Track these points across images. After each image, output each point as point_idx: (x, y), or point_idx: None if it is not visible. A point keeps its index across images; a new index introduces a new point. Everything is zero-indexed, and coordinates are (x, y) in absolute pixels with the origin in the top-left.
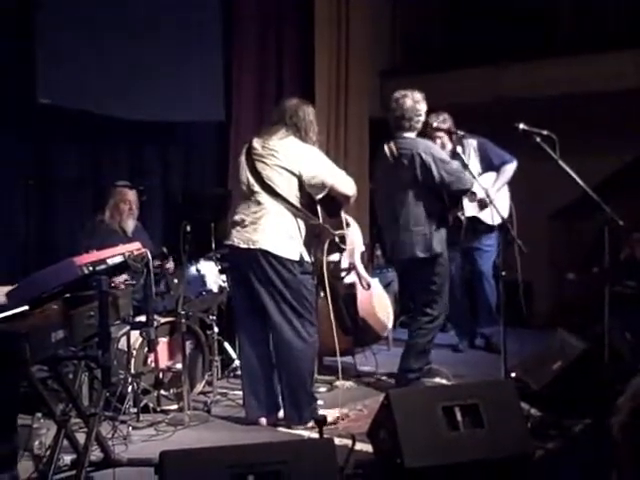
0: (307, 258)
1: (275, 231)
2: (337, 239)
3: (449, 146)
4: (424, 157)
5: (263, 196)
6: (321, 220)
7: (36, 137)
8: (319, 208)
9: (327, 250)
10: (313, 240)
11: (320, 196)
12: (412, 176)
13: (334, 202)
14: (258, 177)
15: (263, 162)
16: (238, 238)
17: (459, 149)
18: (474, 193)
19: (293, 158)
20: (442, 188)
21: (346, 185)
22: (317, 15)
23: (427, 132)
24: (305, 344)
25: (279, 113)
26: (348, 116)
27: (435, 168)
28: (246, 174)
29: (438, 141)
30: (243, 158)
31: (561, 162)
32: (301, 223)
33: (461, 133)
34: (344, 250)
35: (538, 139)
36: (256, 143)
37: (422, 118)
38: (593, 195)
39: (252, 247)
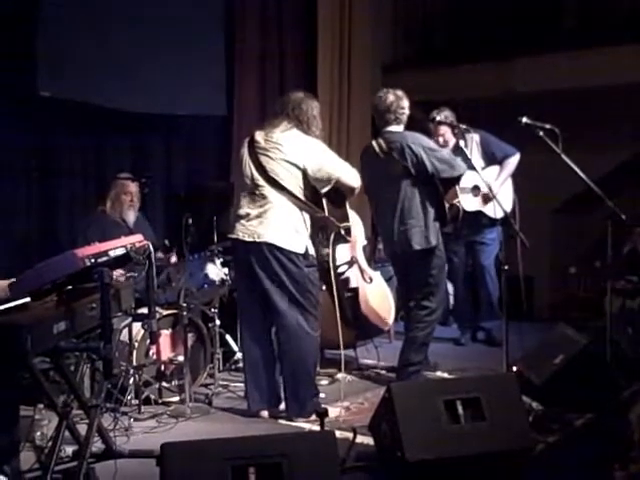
0: (312, 251)
1: (281, 224)
2: (343, 231)
3: (452, 141)
4: (414, 148)
5: (268, 190)
6: (326, 212)
7: (39, 129)
8: (324, 200)
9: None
10: (317, 233)
11: (325, 190)
12: (404, 169)
13: (338, 194)
14: (262, 171)
15: (267, 156)
16: (243, 232)
17: (461, 143)
18: (478, 187)
19: (297, 151)
20: (435, 176)
21: (351, 177)
22: (320, 9)
23: (430, 127)
24: (308, 337)
25: (282, 104)
26: (351, 110)
27: (426, 157)
28: (250, 168)
29: (441, 138)
30: (245, 152)
31: (564, 156)
32: (306, 216)
33: (463, 127)
34: (349, 242)
35: (541, 133)
36: (258, 136)
37: (406, 112)
38: (596, 189)
39: (257, 240)
